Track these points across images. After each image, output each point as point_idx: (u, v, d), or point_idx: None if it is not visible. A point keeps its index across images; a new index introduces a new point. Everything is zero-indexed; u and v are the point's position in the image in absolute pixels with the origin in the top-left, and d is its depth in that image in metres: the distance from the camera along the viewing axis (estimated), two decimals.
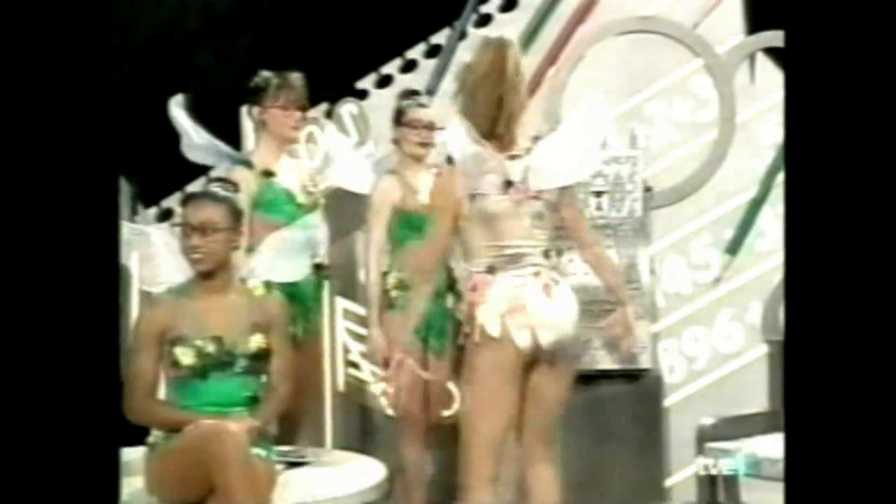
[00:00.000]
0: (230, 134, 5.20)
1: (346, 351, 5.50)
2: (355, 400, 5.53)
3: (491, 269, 3.77)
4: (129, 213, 5.36)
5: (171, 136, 4.97)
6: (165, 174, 5.18)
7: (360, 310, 5.21)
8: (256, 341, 3.79)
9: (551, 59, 5.63)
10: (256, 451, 3.66)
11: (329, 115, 5.55)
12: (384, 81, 5.64)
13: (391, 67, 5.64)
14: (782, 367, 5.04)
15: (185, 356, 3.73)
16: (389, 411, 5.31)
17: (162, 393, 3.83)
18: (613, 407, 5.12)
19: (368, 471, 4.15)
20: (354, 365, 5.50)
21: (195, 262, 3.79)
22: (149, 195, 5.29)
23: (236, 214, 3.87)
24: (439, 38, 5.66)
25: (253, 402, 3.80)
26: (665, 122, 5.68)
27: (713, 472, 4.61)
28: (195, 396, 3.74)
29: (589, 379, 5.02)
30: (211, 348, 3.74)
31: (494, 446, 3.78)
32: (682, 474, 5.42)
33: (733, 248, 5.63)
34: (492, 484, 3.79)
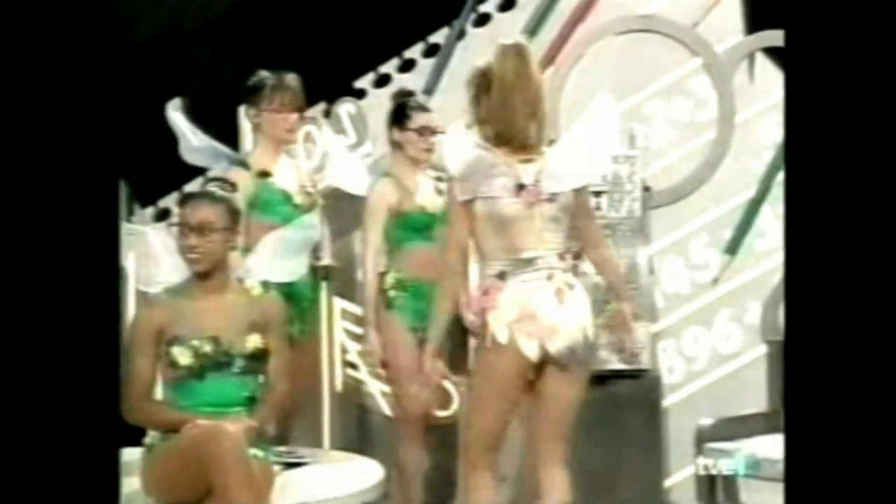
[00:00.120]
0: (229, 134, 5.20)
1: (344, 351, 5.50)
2: (353, 400, 5.52)
3: (502, 275, 3.79)
4: (126, 213, 5.36)
5: (169, 135, 4.96)
6: (163, 174, 5.18)
7: (358, 310, 5.20)
8: (254, 341, 3.79)
9: (550, 58, 5.62)
10: (254, 451, 3.65)
11: (327, 114, 5.54)
12: (382, 81, 5.64)
13: (389, 67, 5.63)
14: (781, 368, 5.07)
15: (183, 356, 3.72)
16: (387, 411, 5.32)
17: (159, 393, 3.83)
18: (612, 407, 5.10)
19: (366, 471, 4.15)
20: (352, 365, 5.49)
21: (192, 261, 3.78)
22: (146, 195, 5.28)
23: (234, 214, 3.87)
24: (438, 37, 5.65)
25: (251, 402, 3.79)
26: (664, 122, 5.66)
27: (713, 472, 4.62)
28: (193, 397, 3.73)
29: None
30: (208, 348, 3.73)
31: (493, 444, 3.82)
32: (681, 475, 5.42)
33: (732, 248, 5.62)
34: (492, 482, 3.85)
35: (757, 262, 5.60)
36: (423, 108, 4.97)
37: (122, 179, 5.13)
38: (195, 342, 3.73)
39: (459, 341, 4.82)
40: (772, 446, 4.63)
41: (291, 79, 4.76)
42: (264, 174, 4.69)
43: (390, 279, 4.87)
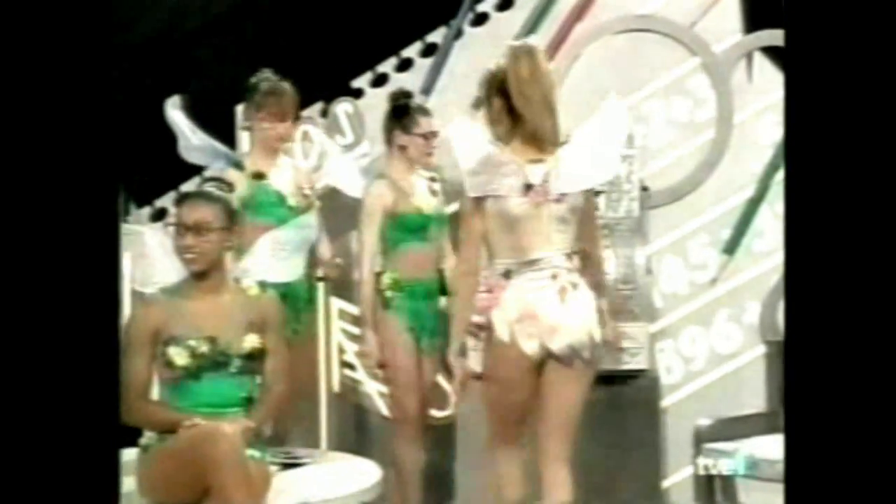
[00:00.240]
0: (228, 132, 5.19)
1: (342, 351, 5.49)
2: (350, 400, 5.51)
3: (507, 273, 3.83)
4: (122, 213, 5.35)
5: (165, 135, 4.96)
6: (159, 173, 5.17)
7: (355, 310, 5.21)
8: (251, 341, 3.78)
9: (548, 57, 5.59)
10: (251, 452, 3.64)
11: (324, 113, 5.54)
12: (380, 80, 5.63)
13: (387, 66, 5.62)
14: (780, 368, 5.08)
15: (179, 356, 3.71)
16: (385, 411, 5.31)
17: (155, 394, 3.81)
18: (611, 407, 5.09)
19: (364, 471, 4.15)
20: (350, 365, 5.49)
21: (189, 261, 3.77)
22: (142, 194, 5.27)
23: (230, 214, 3.86)
24: (435, 36, 5.64)
25: (248, 402, 3.78)
26: (662, 122, 5.65)
27: (713, 472, 4.62)
28: (189, 397, 3.72)
29: None
30: (205, 348, 3.72)
31: (511, 435, 3.90)
32: (680, 475, 5.41)
33: (731, 247, 5.61)
34: (515, 470, 3.92)
35: (755, 261, 5.59)
36: (427, 112, 5.03)
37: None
38: (192, 342, 3.71)
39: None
40: (770, 447, 4.62)
41: (282, 88, 4.79)
42: (259, 175, 4.71)
43: (386, 279, 4.90)
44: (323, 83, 5.48)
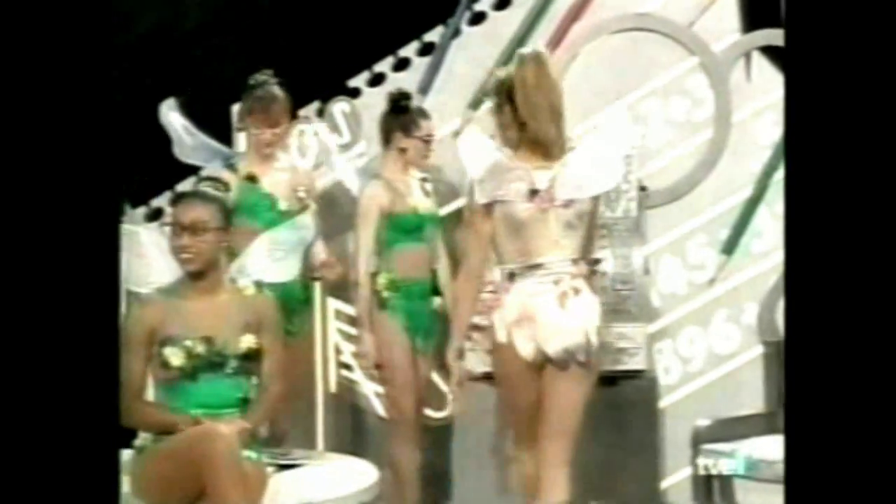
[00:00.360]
0: (225, 131, 5.18)
1: (338, 352, 5.48)
2: (347, 401, 5.50)
3: (511, 276, 3.90)
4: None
5: (161, 134, 4.95)
6: (154, 173, 5.16)
7: (352, 310, 5.20)
8: (247, 342, 3.76)
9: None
10: (247, 453, 3.63)
11: (321, 113, 5.53)
12: (377, 80, 5.61)
13: (384, 65, 5.61)
14: (778, 368, 5.07)
15: (175, 357, 3.69)
16: (382, 412, 5.31)
17: (150, 395, 3.80)
18: (608, 408, 5.07)
19: (360, 472, 4.14)
20: (346, 366, 5.48)
21: (185, 261, 3.76)
22: (137, 194, 5.25)
23: (226, 214, 3.86)
24: (433, 35, 5.63)
25: (244, 403, 3.77)
26: (660, 121, 5.63)
27: (713, 472, 4.62)
28: (185, 398, 3.70)
29: None
30: (201, 349, 3.70)
31: (526, 427, 3.95)
32: (678, 476, 5.39)
33: (729, 248, 5.59)
34: (559, 478, 3.93)
35: (754, 262, 5.58)
36: (427, 115, 5.08)
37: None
38: (188, 342, 3.70)
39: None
40: (769, 447, 4.63)
41: (272, 94, 4.82)
42: (251, 178, 4.73)
43: (382, 280, 4.94)
44: (320, 82, 5.48)
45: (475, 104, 5.56)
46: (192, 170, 5.04)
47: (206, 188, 3.94)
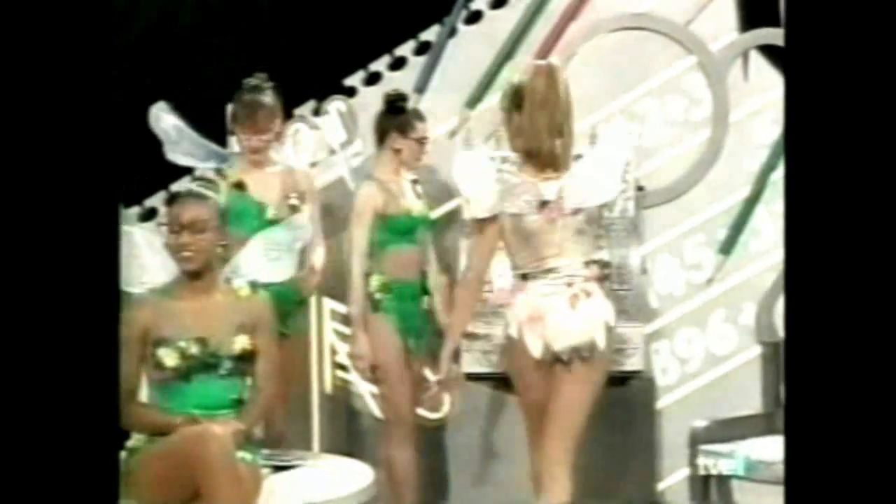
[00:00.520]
0: (221, 130, 5.16)
1: (334, 352, 5.47)
2: (343, 402, 5.49)
3: (525, 276, 4.01)
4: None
5: (154, 134, 4.92)
6: (147, 173, 5.14)
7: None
8: (241, 342, 3.74)
9: (542, 56, 5.55)
10: (242, 454, 3.60)
11: (317, 112, 5.51)
12: (373, 79, 5.60)
13: (380, 64, 5.60)
14: (776, 369, 5.05)
15: (169, 358, 3.68)
16: (377, 413, 5.30)
17: (144, 396, 3.78)
18: (605, 409, 5.05)
19: (356, 473, 4.13)
20: (342, 366, 5.47)
21: (185, 260, 3.74)
22: (130, 194, 5.23)
23: (221, 213, 3.84)
24: (429, 34, 5.62)
25: (238, 404, 3.75)
26: (657, 121, 5.62)
27: (713, 472, 4.63)
28: (179, 399, 3.68)
29: None
30: (195, 350, 3.69)
31: (537, 436, 4.02)
32: (675, 477, 5.38)
33: (727, 247, 5.58)
34: (561, 478, 3.98)
35: (752, 262, 5.56)
36: (422, 118, 5.11)
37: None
38: (181, 343, 3.68)
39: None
40: (767, 448, 4.62)
41: (259, 102, 4.81)
42: (239, 185, 4.71)
43: (375, 282, 4.95)
44: (316, 81, 5.46)
45: (472, 103, 5.55)
46: (186, 169, 5.03)
47: (202, 187, 3.92)
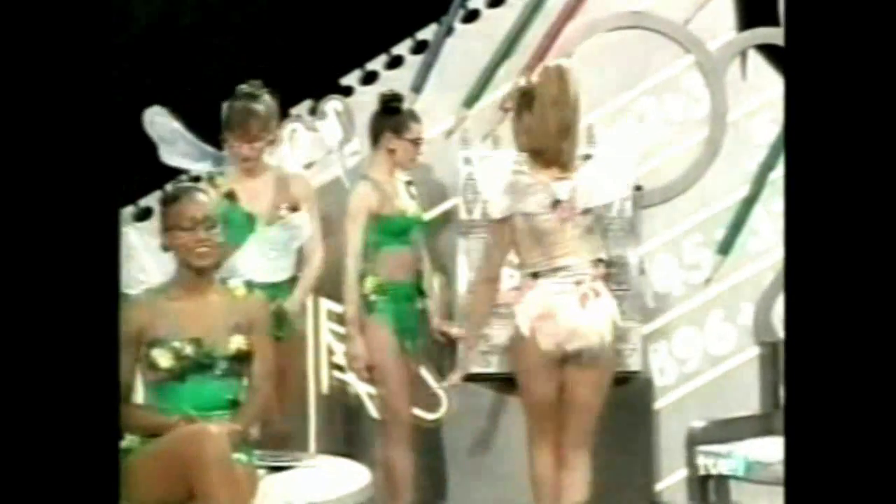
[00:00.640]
0: (216, 131, 5.14)
1: (331, 353, 5.46)
2: (339, 402, 5.48)
3: (535, 275, 4.11)
4: None
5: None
6: (142, 172, 5.12)
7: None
8: (237, 343, 3.72)
9: (540, 56, 5.56)
10: (237, 455, 3.59)
11: (313, 111, 5.50)
12: (369, 78, 5.59)
13: (376, 64, 5.59)
14: (774, 370, 5.04)
15: (163, 358, 3.66)
16: (374, 413, 5.29)
17: (140, 396, 3.76)
18: (603, 410, 5.04)
19: (353, 474, 4.11)
20: (339, 367, 5.45)
21: (202, 255, 3.71)
22: (125, 194, 5.21)
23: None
24: (426, 33, 5.61)
25: (234, 405, 3.74)
26: (655, 120, 5.62)
27: (713, 472, 4.64)
28: (174, 400, 3.67)
29: None
30: (189, 350, 3.67)
31: (545, 421, 4.13)
32: (673, 477, 5.38)
33: (725, 247, 5.57)
34: (550, 456, 4.13)
35: (750, 261, 5.55)
36: (417, 119, 5.12)
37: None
38: (176, 344, 3.66)
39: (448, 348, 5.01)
40: (765, 448, 4.62)
41: (251, 110, 4.77)
42: (230, 196, 4.68)
43: (369, 284, 4.97)
44: (312, 80, 5.45)
45: (469, 102, 5.54)
46: (181, 168, 5.01)
47: (198, 188, 3.92)
